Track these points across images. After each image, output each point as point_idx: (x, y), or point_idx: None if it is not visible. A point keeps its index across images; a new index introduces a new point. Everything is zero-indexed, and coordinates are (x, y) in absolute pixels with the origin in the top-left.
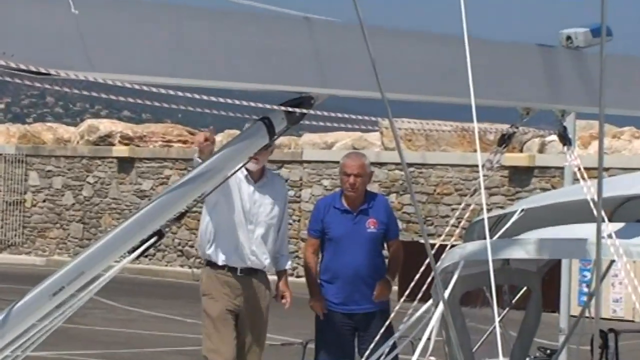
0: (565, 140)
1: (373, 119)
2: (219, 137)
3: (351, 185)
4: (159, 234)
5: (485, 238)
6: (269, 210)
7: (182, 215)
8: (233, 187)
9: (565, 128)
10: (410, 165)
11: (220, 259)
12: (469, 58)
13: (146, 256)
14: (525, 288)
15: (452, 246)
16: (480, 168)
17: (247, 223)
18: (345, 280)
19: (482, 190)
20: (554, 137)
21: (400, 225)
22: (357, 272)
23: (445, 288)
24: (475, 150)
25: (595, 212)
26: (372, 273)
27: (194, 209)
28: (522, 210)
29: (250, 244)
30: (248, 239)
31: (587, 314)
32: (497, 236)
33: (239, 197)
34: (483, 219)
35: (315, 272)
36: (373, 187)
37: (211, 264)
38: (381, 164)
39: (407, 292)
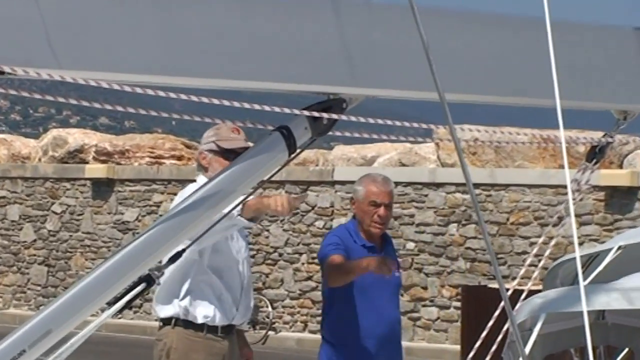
0: None
1: (425, 126)
2: None
3: (381, 219)
4: (148, 279)
5: (572, 283)
6: (244, 244)
7: (177, 255)
8: None
9: None
10: (476, 186)
11: (201, 315)
12: (551, 47)
13: (131, 308)
14: (626, 350)
15: (530, 294)
16: (569, 189)
17: (238, 262)
18: (379, 342)
19: (572, 219)
20: None
21: (463, 264)
22: (394, 329)
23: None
24: (560, 167)
25: None
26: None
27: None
28: (620, 248)
29: (240, 291)
30: (240, 285)
31: None
32: (587, 281)
33: None
34: (570, 259)
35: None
36: (427, 215)
37: (185, 323)
38: (437, 185)
39: (471, 355)
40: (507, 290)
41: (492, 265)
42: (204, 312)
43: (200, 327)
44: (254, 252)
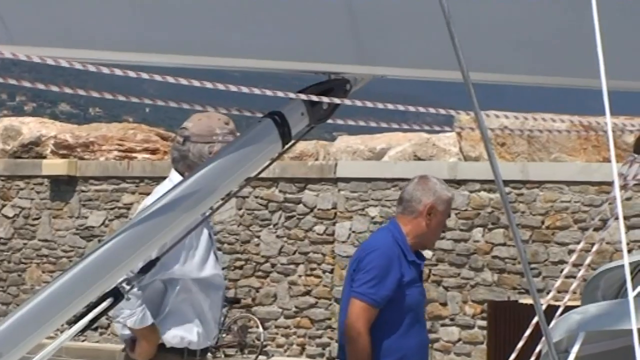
0: None
1: (444, 112)
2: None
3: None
4: (116, 294)
5: (616, 296)
6: (212, 238)
7: (150, 265)
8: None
9: None
10: (505, 183)
11: (176, 338)
12: (596, 16)
13: (95, 329)
14: None
15: (567, 309)
16: (616, 185)
17: (220, 270)
18: None
19: (621, 220)
20: None
21: (490, 276)
22: (426, 349)
23: None
24: (605, 160)
25: None
26: None
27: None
28: None
29: (219, 309)
30: (219, 303)
31: None
32: (635, 293)
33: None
34: (612, 268)
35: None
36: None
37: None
38: (459, 182)
39: None
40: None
41: (525, 276)
42: (182, 334)
43: (180, 352)
44: (242, 263)
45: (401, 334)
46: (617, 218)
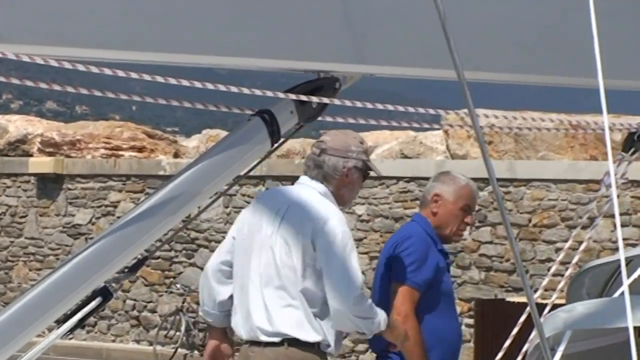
0: None
1: (434, 112)
2: (193, 142)
3: (464, 229)
4: (104, 292)
5: (602, 293)
6: None
7: (139, 265)
8: None
9: None
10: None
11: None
12: (593, 13)
13: (84, 327)
14: None
15: (554, 308)
16: (612, 181)
17: None
18: (453, 351)
19: (617, 217)
20: None
21: (477, 274)
22: (460, 338)
23: None
24: (592, 158)
25: None
26: None
27: (159, 252)
28: None
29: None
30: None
31: None
32: (619, 292)
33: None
34: (598, 265)
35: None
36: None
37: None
38: None
39: None
40: (527, 305)
41: (519, 273)
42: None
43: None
44: None
45: (444, 318)
46: (610, 215)
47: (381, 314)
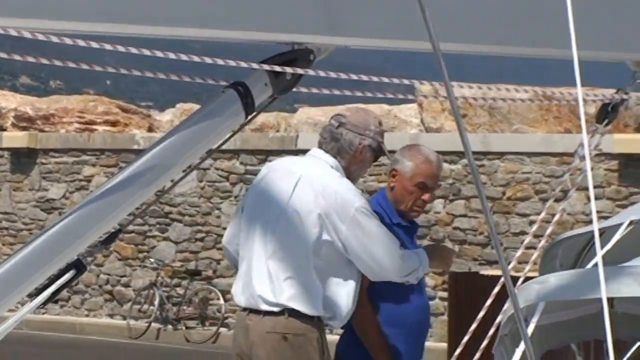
0: None
1: (408, 82)
2: (167, 116)
3: (425, 204)
4: (78, 266)
5: (574, 265)
6: None
7: (112, 237)
8: None
9: None
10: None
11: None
12: None
13: (56, 301)
14: (638, 344)
15: (527, 280)
16: (587, 153)
17: None
18: (417, 331)
19: (591, 188)
20: None
21: (451, 247)
22: (428, 311)
23: (515, 345)
24: (566, 131)
25: None
26: None
27: (132, 226)
28: (632, 223)
29: None
30: None
31: None
32: (592, 263)
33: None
34: (571, 236)
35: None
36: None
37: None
38: None
39: (458, 351)
40: (501, 277)
41: (494, 245)
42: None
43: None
44: (203, 235)
45: (400, 300)
46: (584, 188)
47: (421, 254)
